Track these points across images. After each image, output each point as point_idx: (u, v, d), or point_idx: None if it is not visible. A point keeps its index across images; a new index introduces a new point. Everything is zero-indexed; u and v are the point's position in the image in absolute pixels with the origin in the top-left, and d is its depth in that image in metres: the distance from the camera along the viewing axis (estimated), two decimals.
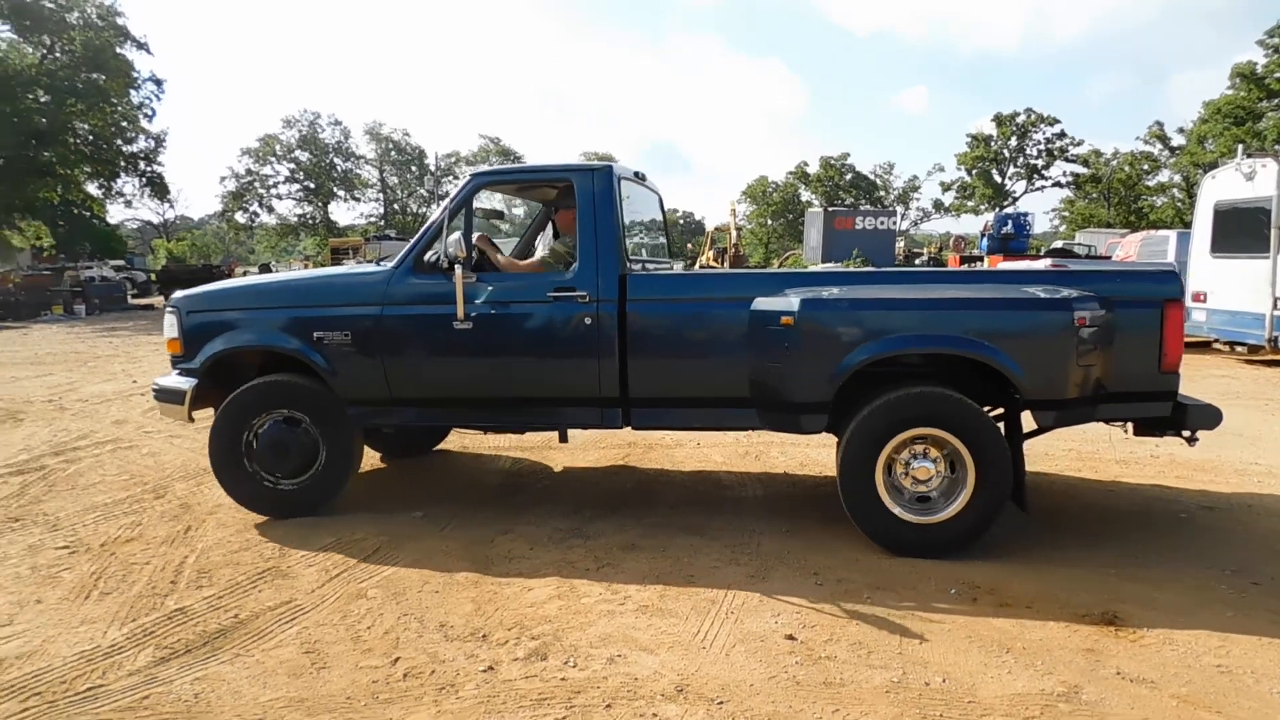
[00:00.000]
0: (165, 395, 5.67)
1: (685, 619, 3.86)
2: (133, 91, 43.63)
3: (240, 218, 75.34)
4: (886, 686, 3.27)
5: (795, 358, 4.64)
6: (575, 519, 5.39)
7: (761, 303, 4.79)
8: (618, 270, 5.08)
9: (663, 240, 6.92)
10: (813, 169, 72.64)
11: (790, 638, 3.67)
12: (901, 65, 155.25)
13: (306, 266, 56.81)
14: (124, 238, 63.88)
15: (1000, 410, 5.06)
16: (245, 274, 40.93)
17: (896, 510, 4.65)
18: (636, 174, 6.06)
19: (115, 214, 60.65)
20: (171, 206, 71.93)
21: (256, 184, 74.22)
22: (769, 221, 73.40)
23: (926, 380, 4.74)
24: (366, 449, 6.23)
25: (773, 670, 3.40)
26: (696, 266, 33.60)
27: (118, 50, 41.44)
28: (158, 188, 49.06)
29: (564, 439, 6.04)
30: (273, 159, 74.57)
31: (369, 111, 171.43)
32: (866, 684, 3.29)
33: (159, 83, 46.33)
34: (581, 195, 5.22)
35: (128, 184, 47.87)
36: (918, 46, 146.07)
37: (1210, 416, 4.77)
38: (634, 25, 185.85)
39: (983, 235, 30.12)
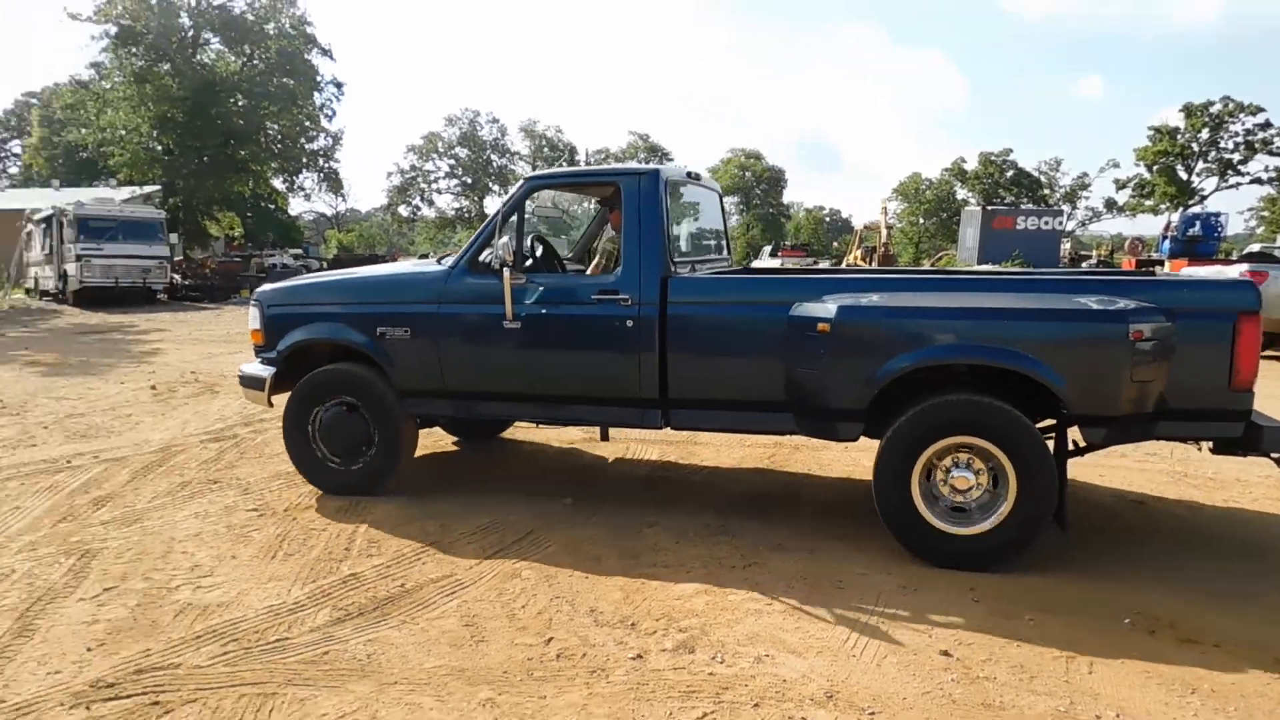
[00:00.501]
0: (249, 381, 6.12)
1: (834, 625, 3.90)
2: (316, 94, 46.48)
3: (403, 210, 79.00)
4: (1052, 715, 3.17)
5: (831, 364, 4.60)
6: (721, 516, 5.46)
7: (800, 308, 4.78)
8: (659, 273, 5.14)
9: (721, 241, 6.91)
10: (970, 165, 69.72)
11: (945, 654, 3.63)
12: (1074, 52, 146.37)
13: None
14: (301, 228, 67.42)
15: (1052, 423, 4.85)
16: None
17: (931, 518, 4.57)
18: (691, 174, 6.14)
19: (295, 206, 64.33)
20: (344, 200, 75.48)
21: (419, 179, 77.54)
22: (921, 220, 71.24)
23: (976, 389, 4.57)
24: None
25: (926, 685, 3.39)
26: (843, 264, 33.15)
27: (306, 56, 44.18)
28: (333, 182, 52.20)
29: (605, 437, 6.41)
30: (435, 155, 77.70)
31: (525, 109, 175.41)
32: (1029, 710, 3.20)
33: (339, 86, 49.39)
34: (627, 199, 5.31)
35: (308, 179, 51.22)
36: (1094, 31, 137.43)
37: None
38: (790, 16, 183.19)
39: (1164, 237, 27.95)
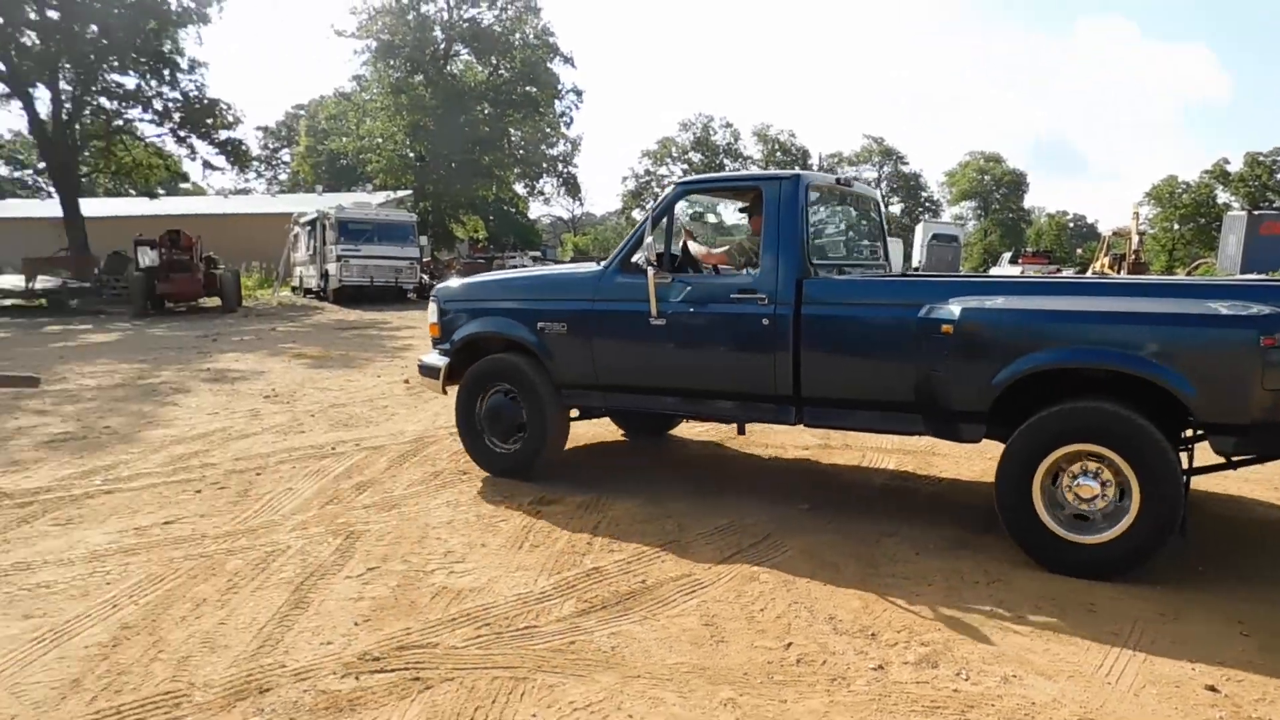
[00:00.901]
0: (427, 370, 6.72)
1: (1086, 649, 3.69)
2: (557, 102, 48.40)
3: (637, 214, 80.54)
4: None
5: (954, 366, 4.66)
6: (961, 529, 5.28)
7: (927, 310, 4.80)
8: (795, 275, 5.27)
9: (877, 246, 6.90)
10: (1234, 167, 64.06)
11: (1211, 689, 3.37)
12: None
13: None
14: (540, 231, 70.24)
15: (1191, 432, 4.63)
16: None
17: (1053, 526, 4.51)
18: (841, 180, 6.34)
19: (534, 210, 67.22)
20: (581, 203, 78.23)
21: (653, 183, 79.11)
22: (1175, 226, 66.12)
23: (1112, 396, 4.44)
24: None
25: None
26: (1088, 273, 31.24)
27: (548, 65, 46.08)
28: (571, 187, 54.24)
29: (741, 431, 6.82)
30: (668, 160, 79.09)
31: (758, 114, 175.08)
32: None
33: (579, 93, 51.30)
34: (768, 203, 5.47)
35: (547, 183, 53.43)
36: None
37: None
38: (1030, 13, 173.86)
39: None
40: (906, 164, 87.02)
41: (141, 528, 5.29)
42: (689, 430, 7.94)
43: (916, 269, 60.14)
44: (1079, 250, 45.81)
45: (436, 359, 6.62)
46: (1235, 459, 4.59)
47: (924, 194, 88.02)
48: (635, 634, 3.82)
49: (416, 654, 3.64)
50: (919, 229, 65.44)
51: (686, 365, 5.69)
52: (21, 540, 5.09)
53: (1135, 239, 30.57)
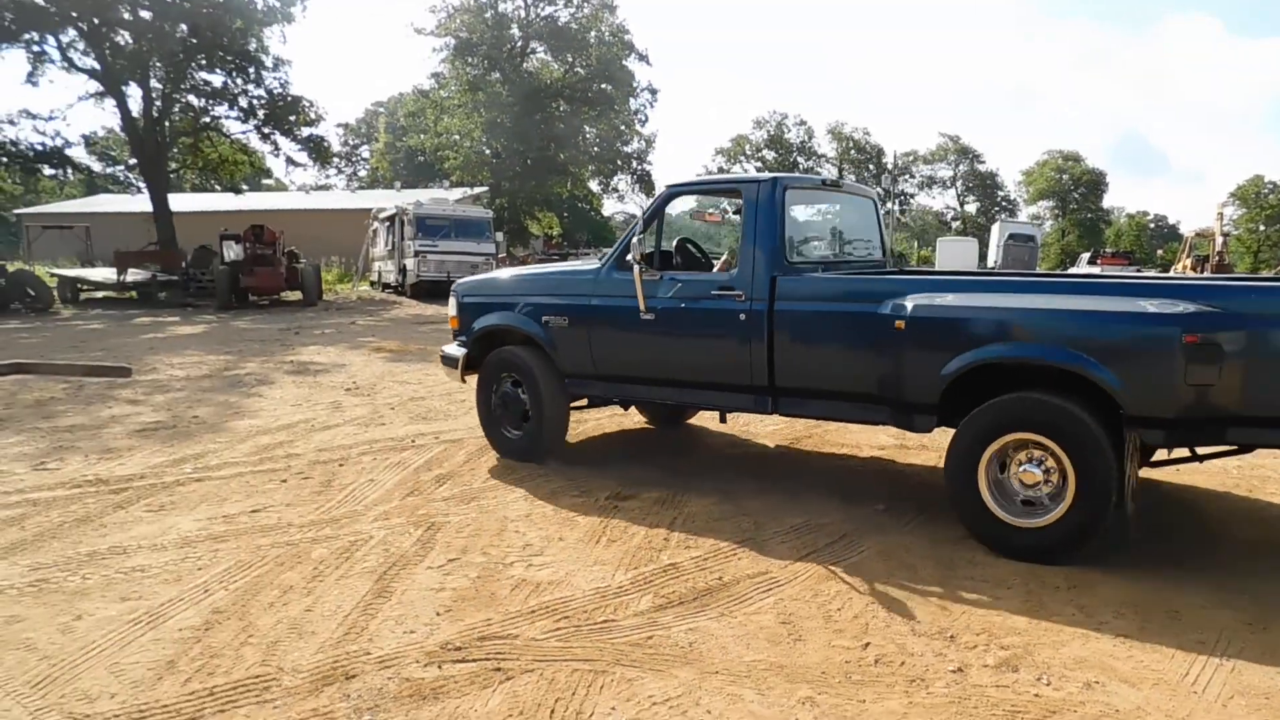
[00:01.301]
0: (447, 360, 7.19)
1: (1170, 657, 3.62)
2: (632, 99, 48.49)
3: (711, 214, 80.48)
4: None
5: (907, 359, 4.96)
6: None
7: (886, 306, 5.05)
8: (770, 272, 5.56)
9: (873, 244, 7.09)
10: None
11: None
12: None
13: None
14: (614, 228, 70.42)
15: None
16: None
17: (996, 510, 4.76)
18: (829, 182, 6.77)
19: (608, 207, 67.40)
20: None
21: None
22: (1261, 227, 63.93)
23: (1057, 388, 4.65)
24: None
25: None
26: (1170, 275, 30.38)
27: (624, 63, 46.21)
28: (645, 184, 54.29)
29: (723, 420, 7.37)
30: (742, 157, 78.85)
31: (833, 112, 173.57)
32: None
33: (654, 91, 51.27)
34: (746, 204, 5.78)
35: (621, 180, 53.59)
36: None
37: None
38: (1116, 9, 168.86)
39: None
40: (983, 162, 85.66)
41: (230, 515, 5.46)
42: (761, 429, 7.93)
43: (992, 269, 59.14)
44: (1160, 251, 44.52)
45: (456, 350, 7.09)
46: (1201, 452, 4.89)
47: (1000, 193, 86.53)
48: (712, 630, 3.84)
49: (497, 644, 3.71)
50: (995, 229, 64.17)
51: (673, 357, 6.07)
52: (117, 525, 5.29)
53: (1219, 240, 29.66)
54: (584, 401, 6.95)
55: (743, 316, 5.60)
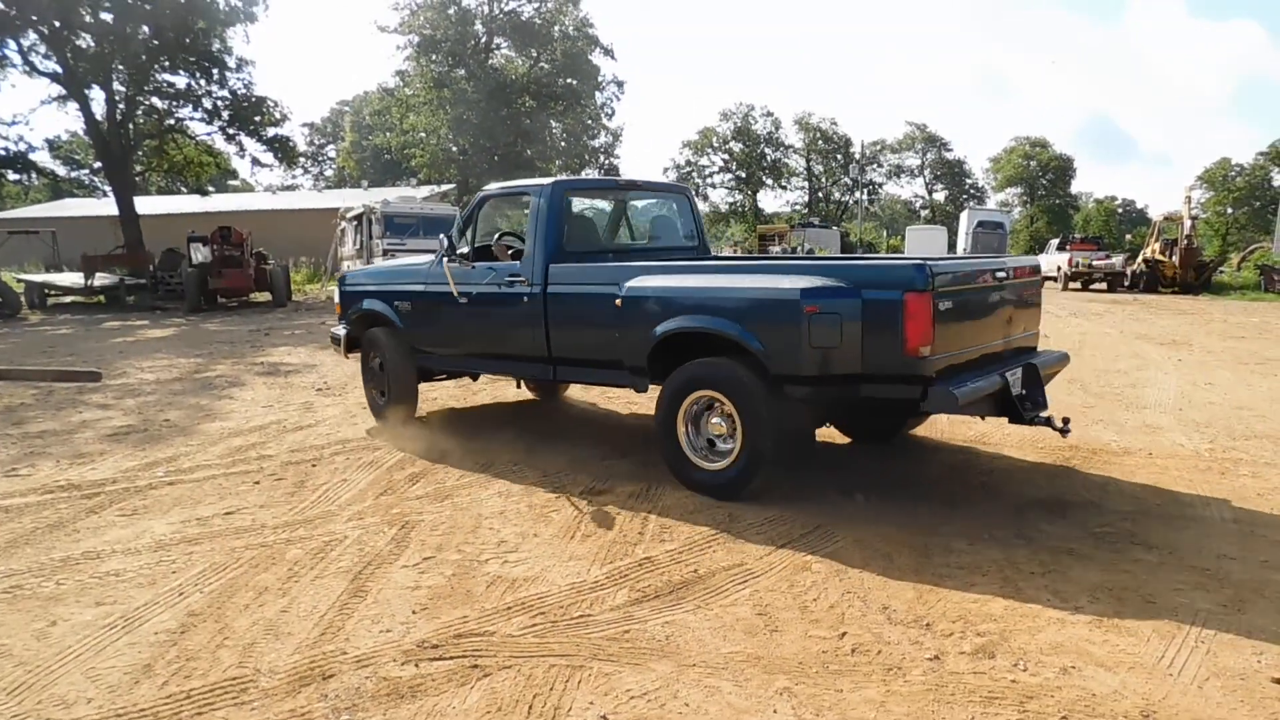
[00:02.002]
0: (334, 340, 8.46)
1: (1146, 640, 3.65)
2: (598, 93, 48.37)
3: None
4: None
5: (626, 332, 5.96)
6: (1017, 518, 5.23)
7: (618, 288, 5.99)
8: (546, 261, 6.54)
9: (677, 234, 8.11)
10: None
11: (1278, 682, 3.33)
12: None
13: (735, 251, 59.43)
14: None
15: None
16: None
17: (690, 455, 5.75)
18: (626, 181, 8.17)
19: (577, 203, 67.46)
20: None
21: (694, 174, 79.09)
22: (1229, 210, 64.62)
23: (729, 354, 5.56)
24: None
25: (1257, 714, 3.12)
26: (1139, 260, 30.68)
27: (589, 57, 46.08)
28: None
29: (518, 386, 9.10)
30: (709, 150, 78.93)
31: (799, 102, 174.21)
32: None
33: (620, 84, 51.11)
34: (532, 204, 6.75)
35: (590, 175, 53.58)
36: None
37: (947, 401, 4.99)
38: None
39: None
40: (950, 150, 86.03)
41: (204, 518, 5.41)
42: None
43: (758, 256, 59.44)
44: (1128, 236, 44.94)
45: (340, 331, 8.32)
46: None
47: (968, 181, 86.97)
48: (689, 623, 3.85)
49: (474, 642, 3.70)
50: (964, 216, 64.52)
51: (483, 334, 7.11)
52: (90, 530, 5.24)
53: (1187, 223, 29.88)
54: (443, 375, 8.21)
55: (526, 299, 6.58)
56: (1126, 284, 30.40)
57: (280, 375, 11.16)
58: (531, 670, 3.45)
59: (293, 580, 4.40)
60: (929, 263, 5.00)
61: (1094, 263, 31.52)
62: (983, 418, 6.32)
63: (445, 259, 7.03)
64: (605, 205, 8.40)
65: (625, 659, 3.53)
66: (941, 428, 7.55)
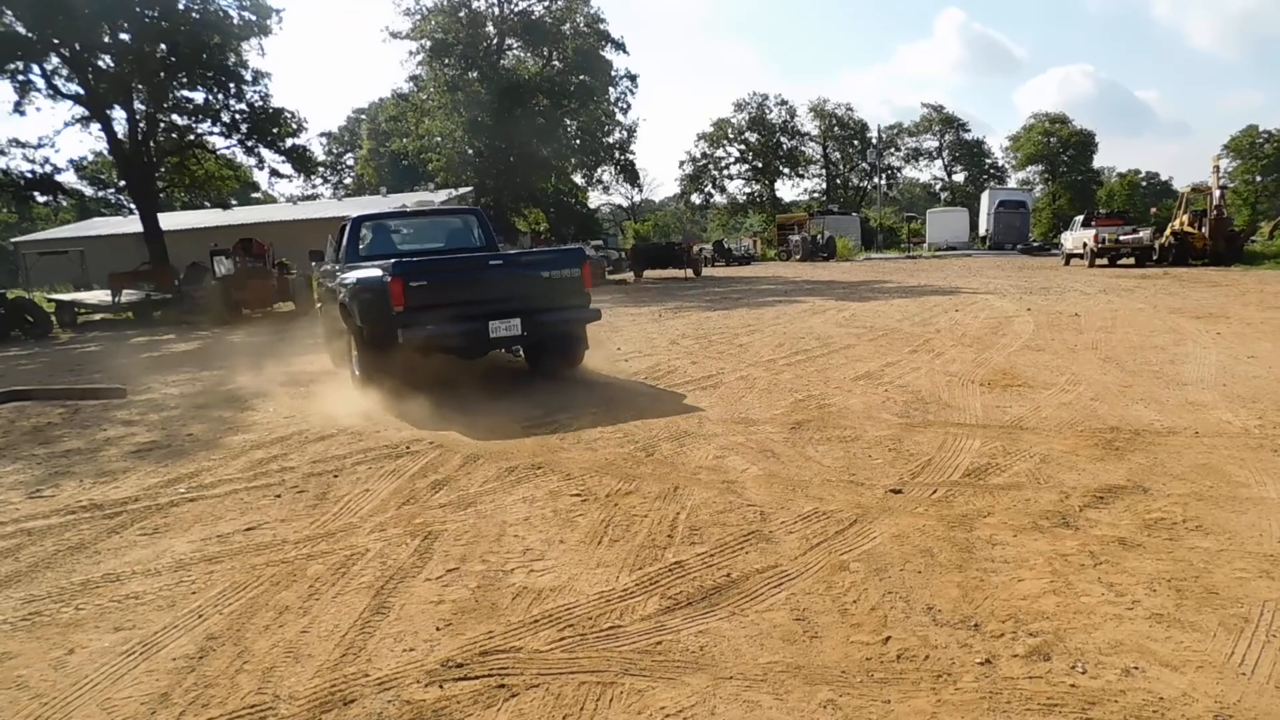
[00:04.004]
0: None
1: (1212, 636, 3.43)
2: (611, 89, 48.15)
3: (695, 198, 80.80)
4: None
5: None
6: (1061, 506, 5.00)
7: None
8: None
9: (472, 240, 11.83)
10: None
11: None
12: None
13: (754, 242, 59.09)
14: (600, 220, 70.15)
15: None
16: (701, 250, 43.51)
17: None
18: (417, 211, 12.81)
19: (594, 199, 67.30)
20: (640, 190, 78.30)
21: (710, 166, 78.94)
22: (1258, 179, 63.42)
23: None
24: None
25: None
26: (1167, 233, 30.14)
27: (601, 53, 45.86)
28: (629, 174, 54.08)
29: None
30: (725, 141, 78.73)
31: (813, 89, 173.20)
32: None
33: (633, 78, 50.87)
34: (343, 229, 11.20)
35: (605, 171, 53.39)
36: None
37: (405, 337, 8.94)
38: None
39: None
40: (968, 131, 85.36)
41: (224, 535, 5.29)
42: (763, 415, 7.76)
43: (984, 238, 58.89)
44: (1153, 209, 44.19)
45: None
46: None
47: (988, 160, 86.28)
48: (723, 632, 3.66)
49: (500, 659, 3.54)
50: (985, 196, 63.96)
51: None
52: (111, 551, 5.13)
53: (1216, 193, 29.29)
54: None
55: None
56: (1155, 258, 29.90)
57: (302, 384, 11.06)
58: (560, 689, 3.28)
59: (314, 598, 4.26)
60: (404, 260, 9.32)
61: (1121, 238, 30.98)
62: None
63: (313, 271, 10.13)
64: (379, 229, 11.68)
65: (658, 673, 3.35)
66: (975, 414, 7.32)
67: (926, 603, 3.86)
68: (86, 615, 4.22)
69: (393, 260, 9.18)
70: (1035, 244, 56.89)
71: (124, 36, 29.54)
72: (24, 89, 29.85)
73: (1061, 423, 6.92)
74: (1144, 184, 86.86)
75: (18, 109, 30.01)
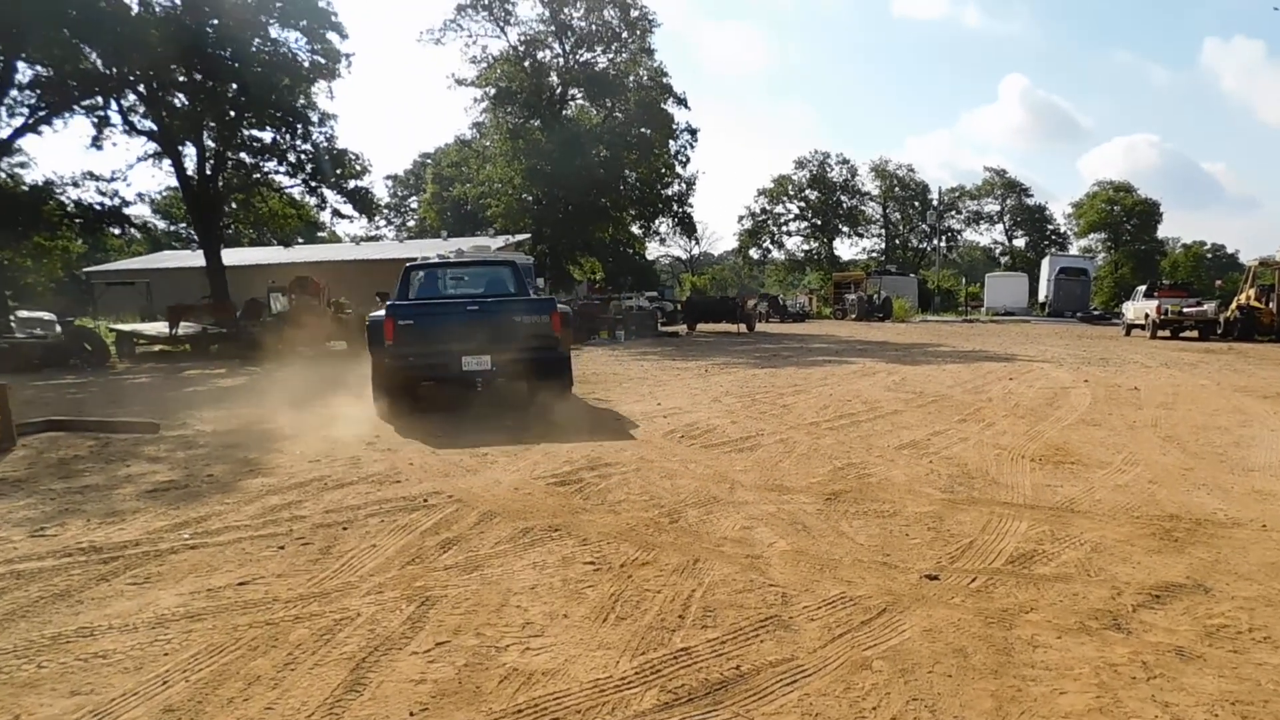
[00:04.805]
0: None
1: None
2: (672, 142, 48.44)
3: (754, 253, 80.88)
4: None
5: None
6: (1112, 605, 4.56)
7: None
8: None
9: (505, 286, 13.00)
10: None
11: None
12: None
13: (810, 299, 58.64)
14: (658, 271, 70.31)
15: None
16: (755, 306, 43.22)
17: None
18: (457, 261, 14.35)
19: (652, 250, 67.52)
20: (697, 243, 78.66)
21: (769, 222, 79.06)
22: None
23: None
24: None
25: None
26: (1233, 307, 29.29)
27: (662, 106, 46.25)
28: (687, 226, 54.29)
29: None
30: (785, 198, 78.91)
31: (875, 148, 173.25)
32: None
33: (693, 132, 51.09)
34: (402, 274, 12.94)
35: (663, 223, 53.66)
36: None
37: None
38: (1147, 37, 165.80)
39: None
40: (1030, 196, 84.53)
41: (215, 589, 5.03)
42: (796, 483, 7.37)
43: (1043, 305, 57.82)
44: (1219, 282, 42.99)
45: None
46: None
47: (1049, 226, 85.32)
48: None
49: None
50: (1045, 262, 63.02)
51: None
52: (94, 601, 4.89)
53: None
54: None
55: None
56: (1219, 332, 29.04)
57: (336, 426, 10.88)
58: None
59: (289, 667, 3.95)
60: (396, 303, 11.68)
61: (1184, 310, 30.17)
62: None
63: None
64: (426, 275, 13.06)
65: None
66: (1024, 492, 6.86)
67: (955, 714, 3.45)
68: (46, 675, 3.95)
69: (389, 303, 11.76)
70: (1096, 313, 55.83)
71: (197, 75, 30.29)
72: (101, 124, 30.83)
73: (1116, 507, 6.45)
74: (1209, 256, 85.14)
75: (95, 143, 31.02)
